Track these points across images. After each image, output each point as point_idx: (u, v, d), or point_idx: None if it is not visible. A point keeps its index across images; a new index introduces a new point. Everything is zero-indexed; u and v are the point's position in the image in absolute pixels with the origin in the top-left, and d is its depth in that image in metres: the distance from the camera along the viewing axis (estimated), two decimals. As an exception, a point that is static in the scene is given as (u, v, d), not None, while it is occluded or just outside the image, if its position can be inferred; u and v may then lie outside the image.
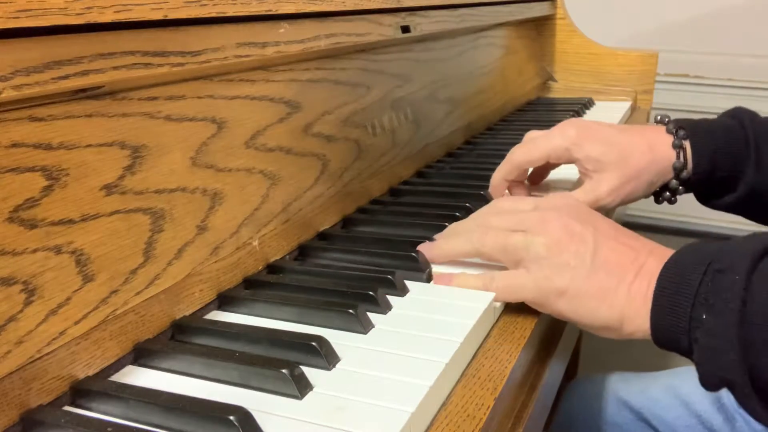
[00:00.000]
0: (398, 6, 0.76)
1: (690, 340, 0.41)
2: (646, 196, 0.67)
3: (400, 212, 0.67)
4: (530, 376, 0.49)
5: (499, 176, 0.68)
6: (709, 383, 0.41)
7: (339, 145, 0.66)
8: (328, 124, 0.65)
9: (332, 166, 0.64)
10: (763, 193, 0.64)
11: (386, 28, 0.73)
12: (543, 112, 1.19)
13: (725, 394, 0.73)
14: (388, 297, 0.48)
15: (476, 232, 0.52)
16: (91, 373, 0.39)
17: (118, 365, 0.41)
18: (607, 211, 0.68)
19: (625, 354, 1.58)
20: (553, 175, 0.76)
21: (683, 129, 0.65)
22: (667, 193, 0.67)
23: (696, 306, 0.41)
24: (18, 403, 0.35)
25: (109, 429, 0.34)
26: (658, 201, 0.68)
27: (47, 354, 0.37)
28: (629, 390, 0.79)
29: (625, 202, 0.65)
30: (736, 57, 1.80)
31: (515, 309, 0.50)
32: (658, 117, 0.68)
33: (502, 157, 0.76)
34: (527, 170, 0.70)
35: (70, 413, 0.37)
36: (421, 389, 0.37)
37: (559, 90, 1.38)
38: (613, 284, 0.45)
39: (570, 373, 1.32)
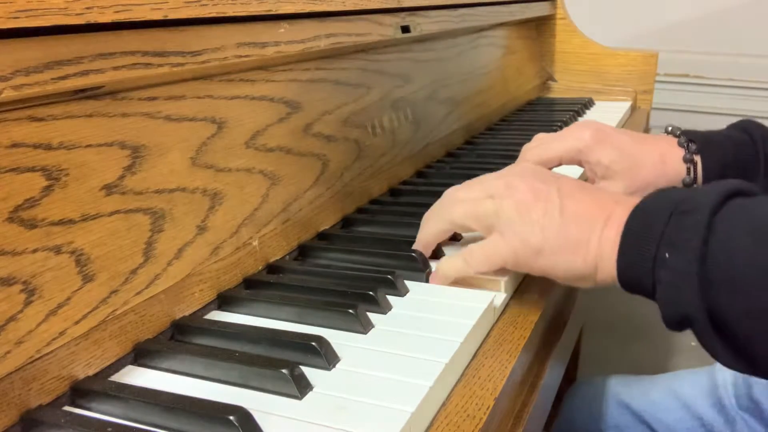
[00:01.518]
0: (398, 6, 0.76)
1: (654, 279, 0.42)
2: None
3: (400, 212, 0.67)
4: (530, 376, 0.49)
5: None
6: (671, 321, 0.41)
7: (339, 145, 0.66)
8: (328, 124, 0.65)
9: (332, 166, 0.64)
10: None
11: (386, 28, 0.73)
12: (543, 112, 1.19)
13: (726, 397, 0.73)
14: (388, 297, 0.48)
15: (444, 207, 0.54)
16: (91, 373, 0.39)
17: (118, 365, 0.41)
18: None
19: (625, 356, 1.58)
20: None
21: (694, 143, 0.65)
22: None
23: (660, 246, 0.41)
24: (18, 403, 0.35)
25: (109, 429, 0.34)
26: None
27: (47, 354, 0.37)
28: (630, 393, 0.79)
29: None
30: (736, 57, 1.80)
31: (515, 309, 0.50)
32: (669, 128, 0.69)
33: (503, 157, 0.76)
34: None
35: (70, 413, 0.36)
36: (421, 389, 0.37)
37: (559, 90, 1.38)
38: (585, 235, 0.46)
39: (570, 376, 1.32)
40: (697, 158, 0.64)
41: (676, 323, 0.41)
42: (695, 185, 0.65)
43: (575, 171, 0.77)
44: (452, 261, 0.51)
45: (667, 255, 0.41)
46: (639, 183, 0.64)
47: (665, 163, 0.64)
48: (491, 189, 0.51)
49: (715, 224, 0.40)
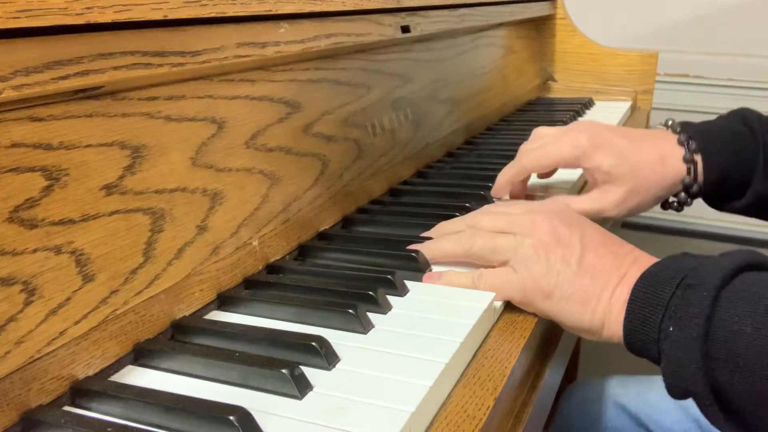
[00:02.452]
0: (398, 6, 0.76)
1: (658, 349, 0.42)
2: (654, 206, 0.67)
3: (400, 212, 0.67)
4: (530, 376, 0.49)
5: (505, 179, 0.68)
6: (675, 393, 0.42)
7: (339, 145, 0.66)
8: (328, 124, 0.65)
9: (332, 166, 0.64)
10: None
11: (386, 28, 0.73)
12: (543, 112, 1.19)
13: None
14: (388, 297, 0.48)
15: (465, 233, 0.53)
16: (91, 373, 0.39)
17: (118, 365, 0.41)
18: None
19: (625, 357, 1.58)
20: (558, 174, 0.76)
21: (694, 140, 0.64)
22: (675, 204, 0.67)
23: (665, 318, 0.41)
24: (18, 403, 0.35)
25: (109, 429, 0.34)
26: (664, 208, 0.69)
27: (47, 354, 0.37)
28: (627, 394, 0.79)
29: (630, 215, 0.65)
30: (736, 57, 1.80)
31: (515, 309, 0.50)
32: (669, 122, 0.68)
33: (502, 156, 0.76)
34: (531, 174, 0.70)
35: (70, 413, 0.37)
36: (421, 389, 0.37)
37: (559, 90, 1.38)
38: (597, 290, 0.46)
39: (570, 376, 1.32)
40: (698, 157, 0.64)
41: (679, 395, 0.41)
42: (695, 186, 0.65)
43: (577, 171, 0.77)
44: (460, 278, 0.51)
45: (670, 328, 0.41)
46: (640, 186, 0.63)
47: (665, 164, 0.64)
48: (514, 224, 0.50)
49: (720, 301, 0.39)
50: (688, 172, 0.64)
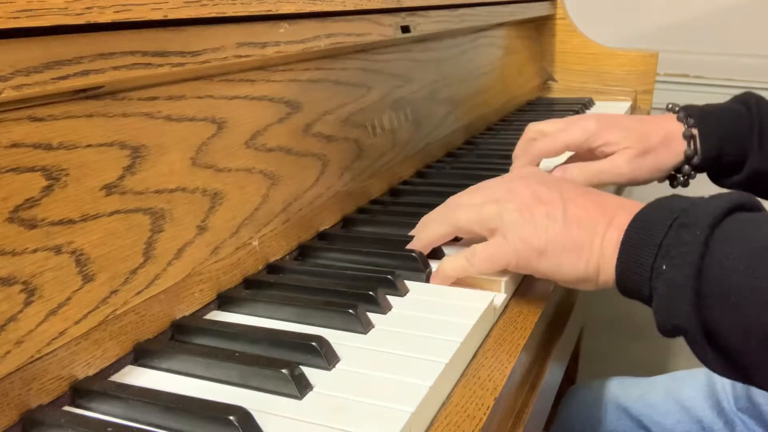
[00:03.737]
0: (398, 6, 0.76)
1: (650, 289, 0.43)
2: (661, 181, 0.70)
3: (400, 212, 0.67)
4: (530, 376, 0.49)
5: (519, 165, 0.71)
6: (664, 330, 0.42)
7: (339, 145, 0.66)
8: (328, 124, 0.65)
9: (332, 166, 0.64)
10: (765, 174, 0.67)
11: (386, 28, 0.73)
12: (543, 112, 1.19)
13: (725, 398, 0.73)
14: (388, 297, 0.48)
15: (449, 211, 0.54)
16: (91, 373, 0.39)
17: (118, 365, 0.41)
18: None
19: (624, 357, 1.58)
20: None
21: (692, 117, 0.68)
22: (681, 177, 0.70)
23: (658, 257, 0.42)
24: (18, 403, 0.35)
25: (109, 429, 0.34)
26: (673, 185, 0.71)
27: (47, 354, 0.37)
28: (628, 396, 0.79)
29: (640, 177, 0.68)
30: (736, 57, 1.80)
31: (515, 309, 0.50)
32: (670, 106, 0.71)
33: (502, 156, 0.77)
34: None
35: (70, 413, 0.37)
36: (421, 389, 0.37)
37: (559, 90, 1.38)
38: (588, 237, 0.47)
39: (570, 377, 1.32)
40: (695, 131, 0.67)
41: (669, 332, 0.42)
42: (696, 157, 0.67)
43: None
44: (454, 260, 0.51)
45: (663, 267, 0.41)
46: (650, 150, 0.66)
47: (668, 137, 0.67)
48: (494, 194, 0.51)
49: (713, 240, 0.40)
50: (689, 144, 0.67)
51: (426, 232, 0.55)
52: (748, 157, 0.67)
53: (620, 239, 0.45)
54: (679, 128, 0.68)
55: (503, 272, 0.51)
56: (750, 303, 0.37)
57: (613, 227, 0.46)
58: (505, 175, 0.55)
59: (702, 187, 0.72)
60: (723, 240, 0.40)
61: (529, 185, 0.51)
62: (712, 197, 0.43)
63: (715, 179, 0.71)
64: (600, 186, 0.64)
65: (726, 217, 0.41)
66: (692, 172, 0.69)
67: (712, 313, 0.39)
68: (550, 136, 0.69)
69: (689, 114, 0.68)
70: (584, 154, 0.69)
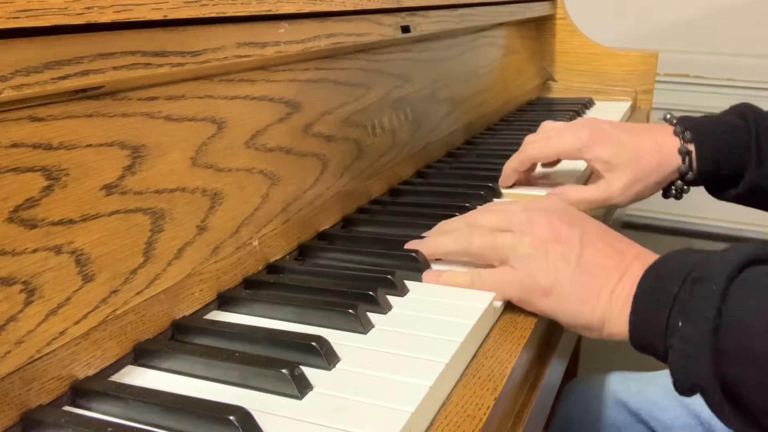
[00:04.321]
0: (398, 6, 0.76)
1: (666, 345, 0.42)
2: (655, 193, 0.70)
3: (400, 212, 0.67)
4: (530, 376, 0.49)
5: (511, 167, 0.72)
6: (682, 388, 0.41)
7: (339, 145, 0.66)
8: (328, 124, 0.65)
9: (332, 166, 0.64)
10: (763, 189, 0.66)
11: (386, 28, 0.73)
12: (543, 112, 1.19)
13: None
14: (388, 297, 0.48)
15: (464, 231, 0.53)
16: (91, 373, 0.39)
17: (118, 365, 0.41)
18: (608, 211, 0.69)
19: (625, 353, 1.58)
20: (562, 165, 0.77)
21: (689, 131, 0.67)
22: (674, 191, 0.69)
23: (673, 313, 0.41)
24: (18, 403, 0.35)
25: (109, 429, 0.34)
26: (665, 196, 0.71)
27: (47, 354, 0.37)
28: (627, 391, 0.79)
29: (635, 200, 0.68)
30: (736, 57, 1.80)
31: (515, 309, 0.50)
32: (667, 116, 0.71)
33: (503, 157, 0.76)
34: (537, 163, 0.73)
35: (70, 413, 0.36)
36: (421, 389, 0.37)
37: (559, 90, 1.38)
38: (597, 287, 0.46)
39: (570, 373, 1.32)
40: (692, 147, 0.66)
41: (687, 390, 0.41)
42: (690, 173, 0.67)
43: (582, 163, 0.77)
44: (458, 276, 0.50)
45: (680, 323, 0.40)
46: (641, 173, 0.66)
47: (662, 153, 0.66)
48: (513, 221, 0.50)
49: (729, 295, 0.39)
50: (683, 161, 0.66)
51: (437, 245, 0.54)
52: (746, 170, 0.66)
53: (632, 293, 0.44)
54: (675, 143, 0.66)
55: None
56: None
57: (625, 280, 0.45)
58: (530, 202, 0.53)
59: (697, 195, 0.72)
60: (740, 294, 0.39)
61: (550, 219, 0.49)
62: (726, 250, 0.42)
63: (712, 192, 0.71)
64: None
65: (742, 271, 0.40)
66: (686, 187, 0.68)
67: (732, 371, 0.38)
68: (544, 139, 0.69)
69: (686, 128, 0.67)
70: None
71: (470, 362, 0.43)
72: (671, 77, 1.85)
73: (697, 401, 0.74)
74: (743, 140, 0.66)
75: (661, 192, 0.70)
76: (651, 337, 0.43)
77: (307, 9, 0.59)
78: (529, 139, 0.71)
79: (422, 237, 0.57)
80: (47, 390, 0.37)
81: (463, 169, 0.83)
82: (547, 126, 0.72)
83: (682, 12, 1.84)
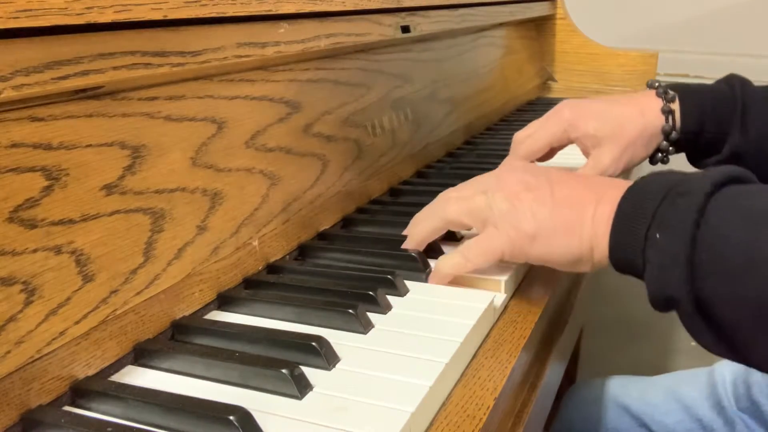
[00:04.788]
0: (398, 6, 0.76)
1: (644, 259, 0.42)
2: (645, 158, 0.70)
3: (400, 212, 0.67)
4: (530, 376, 0.49)
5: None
6: (656, 301, 0.41)
7: (339, 145, 0.66)
8: (328, 124, 0.65)
9: (332, 166, 0.64)
10: (746, 155, 0.66)
11: (386, 28, 0.73)
12: (543, 112, 1.18)
13: (725, 398, 0.73)
14: (388, 297, 0.48)
15: (437, 205, 0.54)
16: (91, 373, 0.39)
17: (118, 365, 0.41)
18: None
19: (624, 357, 1.58)
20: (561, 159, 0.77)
21: (672, 90, 0.67)
22: (659, 154, 0.69)
23: (652, 226, 0.41)
24: (18, 403, 0.35)
25: (109, 429, 0.34)
26: (652, 162, 0.71)
27: (47, 354, 0.37)
28: (629, 395, 0.79)
29: (627, 168, 0.68)
30: (736, 57, 1.80)
31: (515, 309, 0.50)
32: (650, 82, 0.71)
33: (502, 157, 0.76)
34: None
35: (70, 413, 0.36)
36: (421, 389, 0.37)
37: (559, 90, 1.38)
38: (578, 216, 0.46)
39: (570, 376, 1.32)
40: (675, 106, 0.67)
41: (662, 304, 0.41)
42: (674, 132, 0.67)
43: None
44: (450, 257, 0.51)
45: (657, 235, 0.41)
46: (627, 140, 0.66)
47: (644, 116, 0.67)
48: (482, 185, 0.52)
49: (709, 209, 0.39)
50: (666, 120, 0.67)
51: (417, 229, 0.55)
52: (729, 136, 0.66)
53: (613, 213, 0.44)
54: (657, 103, 0.67)
55: (503, 271, 0.51)
56: (746, 272, 0.37)
57: (603, 203, 0.45)
58: (494, 170, 0.55)
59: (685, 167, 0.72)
60: (719, 208, 0.39)
61: (516, 174, 0.51)
62: (707, 170, 0.43)
63: (694, 160, 0.71)
64: None
65: (722, 188, 0.41)
66: (671, 148, 0.68)
67: (706, 283, 0.38)
68: (532, 137, 0.69)
69: (670, 88, 0.68)
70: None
71: (470, 362, 0.43)
72: (671, 77, 1.85)
73: (697, 404, 0.74)
74: (728, 103, 0.67)
75: (648, 160, 0.70)
76: (630, 253, 0.43)
77: (307, 9, 0.59)
78: (518, 138, 0.71)
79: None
80: (47, 390, 0.37)
81: (463, 169, 0.83)
82: (519, 135, 0.72)
83: (682, 12, 1.84)
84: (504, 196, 0.49)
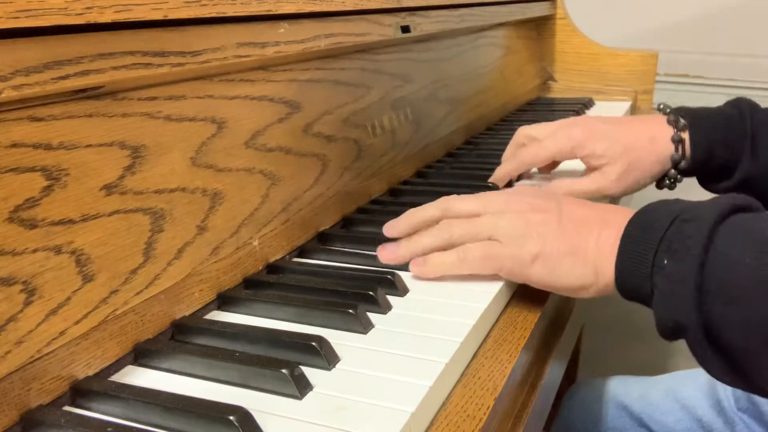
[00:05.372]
0: (398, 6, 0.76)
1: (651, 285, 0.42)
2: (651, 184, 0.70)
3: (400, 212, 0.67)
4: (530, 376, 0.49)
5: (504, 171, 0.72)
6: (665, 329, 0.41)
7: (339, 145, 0.66)
8: (328, 124, 0.65)
9: (332, 166, 0.64)
10: (757, 180, 0.66)
11: (386, 28, 0.73)
12: (543, 112, 1.19)
13: (725, 398, 0.73)
14: (388, 297, 0.48)
15: (442, 225, 0.52)
16: (91, 373, 0.39)
17: (118, 365, 0.41)
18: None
19: (624, 357, 1.58)
20: (563, 165, 0.78)
21: (683, 119, 0.67)
22: (667, 181, 0.69)
23: (659, 252, 0.41)
24: (18, 403, 0.35)
25: (109, 429, 0.34)
26: (659, 187, 0.71)
27: (47, 354, 0.37)
28: (629, 394, 0.79)
29: (629, 191, 0.68)
30: (736, 57, 1.80)
31: (515, 309, 0.50)
32: (660, 106, 0.71)
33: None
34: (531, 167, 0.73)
35: (70, 413, 0.37)
36: (421, 389, 0.37)
37: (559, 90, 1.38)
38: (583, 239, 0.46)
39: (570, 376, 1.32)
40: (685, 135, 0.67)
41: (670, 331, 0.41)
42: (683, 162, 0.67)
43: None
44: (445, 255, 0.50)
45: (665, 261, 0.40)
46: (634, 162, 0.66)
47: (655, 143, 0.67)
48: (489, 205, 0.51)
49: (716, 234, 0.39)
50: (676, 149, 0.66)
51: (417, 246, 0.52)
52: (740, 162, 0.66)
53: (619, 237, 0.44)
54: (668, 132, 0.67)
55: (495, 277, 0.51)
56: (755, 297, 0.36)
57: (609, 226, 0.45)
58: (503, 190, 0.54)
59: (690, 191, 0.72)
60: (727, 235, 0.39)
61: (523, 197, 0.50)
62: (713, 199, 0.43)
63: (705, 183, 0.71)
64: None
65: (729, 216, 0.41)
66: (679, 176, 0.68)
67: (714, 309, 0.38)
68: (537, 143, 0.69)
69: (680, 116, 0.67)
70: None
71: (470, 362, 0.43)
72: (671, 77, 1.85)
73: (697, 404, 0.74)
74: (738, 130, 0.66)
75: (654, 184, 0.70)
76: (637, 278, 0.42)
77: (307, 9, 0.59)
78: (523, 132, 0.71)
79: (396, 239, 0.55)
80: (47, 390, 0.37)
81: (463, 169, 0.83)
82: (525, 131, 0.72)
83: (682, 12, 1.84)
84: (510, 217, 0.49)
